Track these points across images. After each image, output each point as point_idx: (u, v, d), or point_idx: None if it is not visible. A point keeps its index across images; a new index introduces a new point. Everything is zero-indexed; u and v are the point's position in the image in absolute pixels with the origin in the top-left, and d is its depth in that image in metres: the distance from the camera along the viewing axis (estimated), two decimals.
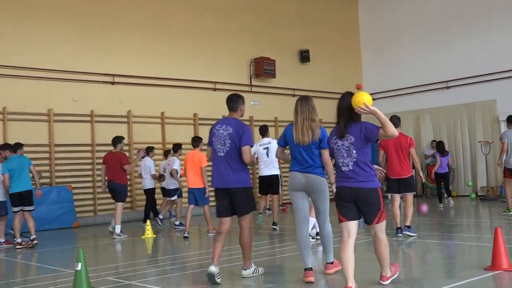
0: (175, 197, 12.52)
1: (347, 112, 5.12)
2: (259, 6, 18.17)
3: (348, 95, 5.18)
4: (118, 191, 10.92)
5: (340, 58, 20.18)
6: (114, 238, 10.62)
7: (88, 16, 14.37)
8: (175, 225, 12.12)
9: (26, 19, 13.41)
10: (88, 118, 14.12)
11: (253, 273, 6.21)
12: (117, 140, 11.16)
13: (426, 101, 18.93)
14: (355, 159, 5.07)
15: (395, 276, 5.53)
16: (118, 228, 10.75)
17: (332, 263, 6.20)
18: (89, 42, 14.31)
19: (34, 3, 13.58)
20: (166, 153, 13.59)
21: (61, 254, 9.34)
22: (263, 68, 17.36)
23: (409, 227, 8.81)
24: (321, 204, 6.04)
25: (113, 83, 14.66)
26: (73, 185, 13.36)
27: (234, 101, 6.43)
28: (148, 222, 10.99)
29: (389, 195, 12.99)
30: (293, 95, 18.53)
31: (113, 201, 11.08)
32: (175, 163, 12.25)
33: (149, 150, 12.90)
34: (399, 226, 8.86)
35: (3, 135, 12.74)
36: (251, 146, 6.18)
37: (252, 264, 6.25)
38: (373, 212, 5.07)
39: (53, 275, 7.06)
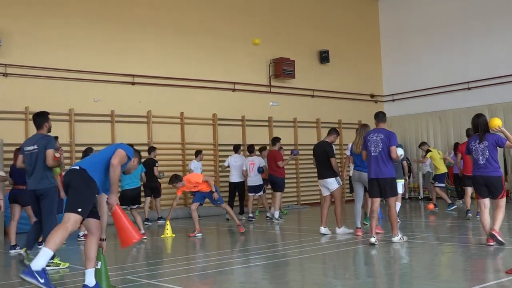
0: (261, 193, 13.52)
1: (484, 126, 7.81)
2: (278, 6, 18.16)
3: (481, 115, 7.95)
4: (276, 183, 13.00)
5: (360, 58, 20.06)
6: (273, 222, 12.45)
7: (108, 17, 14.51)
8: (267, 216, 13.23)
9: (47, 20, 13.58)
10: (109, 118, 14.24)
11: (399, 239, 8.33)
12: (275, 140, 13.62)
13: (447, 102, 18.74)
14: (487, 157, 7.65)
15: (500, 238, 7.60)
16: (276, 214, 12.70)
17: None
18: (110, 43, 14.43)
19: (55, 5, 13.74)
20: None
21: (82, 252, 9.42)
22: (282, 68, 17.32)
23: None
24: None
25: (133, 83, 14.77)
26: None
27: (382, 116, 8.74)
28: (168, 222, 11.01)
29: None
30: (312, 96, 18.50)
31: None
32: (262, 161, 13.48)
33: (237, 148, 14.00)
34: (468, 208, 11.73)
35: (25, 135, 12.90)
36: (397, 146, 8.36)
37: (399, 233, 8.41)
38: (497, 191, 7.69)
39: (73, 273, 7.13)
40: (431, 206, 14.15)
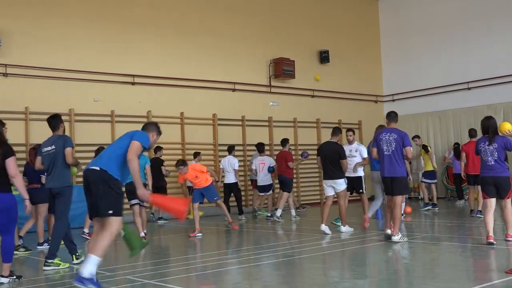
0: (270, 192, 13.76)
1: (493, 128, 8.03)
2: (278, 6, 18.15)
3: (491, 118, 8.19)
4: (285, 183, 13.01)
5: (360, 58, 20.05)
6: (275, 221, 12.45)
7: (108, 17, 14.50)
8: (267, 216, 13.20)
9: (47, 20, 13.58)
10: (109, 118, 14.23)
11: (400, 239, 8.40)
12: (285, 141, 13.56)
13: (447, 102, 18.72)
14: (495, 158, 7.88)
15: None
16: (279, 212, 12.62)
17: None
18: (110, 43, 14.43)
19: (55, 5, 13.74)
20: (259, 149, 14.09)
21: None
22: (282, 68, 17.30)
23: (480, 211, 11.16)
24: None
25: (133, 83, 14.77)
26: None
27: (394, 116, 8.88)
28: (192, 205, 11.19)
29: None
30: (312, 96, 18.50)
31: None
32: (272, 161, 13.62)
33: (231, 150, 14.01)
34: (472, 208, 12.13)
35: (25, 135, 12.91)
36: (410, 146, 8.63)
37: (400, 233, 8.49)
38: (505, 191, 7.85)
39: (73, 273, 7.10)
40: (408, 209, 13.73)
